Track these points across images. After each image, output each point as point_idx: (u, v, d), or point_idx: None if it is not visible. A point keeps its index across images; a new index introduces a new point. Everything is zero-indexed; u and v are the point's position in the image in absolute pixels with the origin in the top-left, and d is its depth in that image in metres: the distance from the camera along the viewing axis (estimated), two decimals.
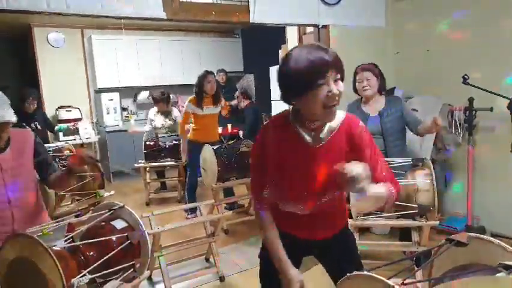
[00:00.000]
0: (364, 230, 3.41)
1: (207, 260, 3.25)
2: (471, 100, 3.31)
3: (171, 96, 5.37)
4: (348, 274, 1.19)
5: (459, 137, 3.45)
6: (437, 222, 2.53)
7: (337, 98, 1.28)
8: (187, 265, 3.12)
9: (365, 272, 1.13)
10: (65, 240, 1.81)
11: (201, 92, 4.19)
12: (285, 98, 1.37)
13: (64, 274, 1.52)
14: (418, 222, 2.58)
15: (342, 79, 1.31)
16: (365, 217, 2.64)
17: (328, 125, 1.41)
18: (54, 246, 1.70)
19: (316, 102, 1.26)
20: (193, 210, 4.20)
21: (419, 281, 1.13)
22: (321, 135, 1.41)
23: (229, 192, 4.35)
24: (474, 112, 3.33)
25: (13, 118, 1.84)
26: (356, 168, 1.21)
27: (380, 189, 1.34)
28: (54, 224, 1.90)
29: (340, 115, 1.43)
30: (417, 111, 3.34)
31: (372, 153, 1.44)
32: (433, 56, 3.76)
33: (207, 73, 4.23)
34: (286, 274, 1.45)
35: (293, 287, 1.43)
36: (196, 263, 3.20)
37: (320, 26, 3.58)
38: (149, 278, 2.97)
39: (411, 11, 3.91)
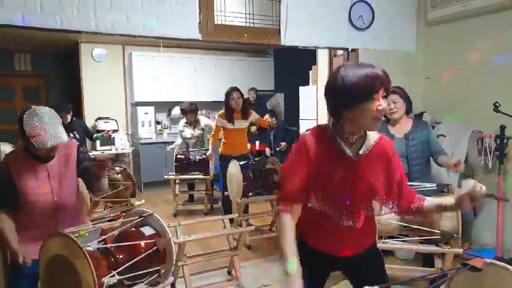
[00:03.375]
0: (388, 254, 3.39)
1: (229, 272, 3.32)
2: (503, 128, 3.27)
3: (203, 111, 5.57)
4: (366, 287, 1.25)
5: (489, 165, 3.40)
6: (461, 250, 2.50)
7: (383, 113, 1.40)
8: (209, 276, 3.21)
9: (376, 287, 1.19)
10: (98, 242, 1.95)
11: (228, 108, 4.35)
12: (335, 110, 1.46)
13: (95, 273, 1.65)
14: (441, 248, 2.56)
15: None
16: (388, 240, 2.64)
17: (366, 141, 1.51)
18: (88, 246, 1.84)
19: (368, 114, 1.38)
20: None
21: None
22: (360, 151, 1.50)
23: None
24: (506, 140, 3.28)
25: (65, 136, 2.01)
26: (480, 185, 1.36)
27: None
28: (90, 227, 2.06)
29: (375, 134, 1.53)
30: (444, 137, 3.32)
31: (401, 171, 1.57)
32: (463, 82, 3.74)
33: (232, 90, 4.38)
34: (285, 262, 1.41)
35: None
36: (218, 274, 3.28)
37: (349, 50, 3.67)
38: (173, 286, 3.07)
39: (443, 37, 3.92)
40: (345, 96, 1.39)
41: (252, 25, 3.21)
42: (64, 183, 2.14)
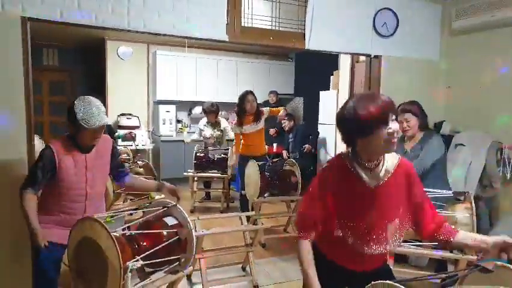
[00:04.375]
0: (401, 261, 3.40)
1: (243, 268, 3.40)
2: None
3: (223, 112, 5.68)
4: (372, 282, 1.30)
5: (507, 176, 3.39)
6: (475, 257, 2.51)
7: (395, 135, 1.45)
8: (224, 271, 3.29)
9: (388, 281, 1.24)
10: (123, 229, 2.06)
11: (241, 110, 4.43)
12: (348, 139, 1.53)
13: (121, 256, 1.75)
14: (455, 255, 2.58)
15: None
16: (402, 244, 2.66)
17: (385, 165, 1.55)
18: (115, 232, 1.94)
19: (380, 140, 1.43)
20: None
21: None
22: (380, 175, 1.54)
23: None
24: None
25: (107, 121, 2.20)
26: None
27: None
28: (117, 214, 2.17)
29: (395, 157, 1.58)
30: (464, 146, 3.33)
31: (422, 197, 1.60)
32: (485, 92, 3.74)
33: (247, 93, 4.45)
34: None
35: None
36: (233, 270, 3.36)
37: (372, 56, 3.71)
38: (189, 279, 3.17)
39: (466, 46, 3.93)
40: (356, 127, 1.45)
41: (277, 28, 3.28)
42: (98, 175, 2.29)
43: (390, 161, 1.57)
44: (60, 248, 2.17)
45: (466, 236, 1.58)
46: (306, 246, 1.58)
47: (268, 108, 4.74)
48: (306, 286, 1.56)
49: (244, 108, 4.42)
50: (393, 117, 1.46)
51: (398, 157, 1.59)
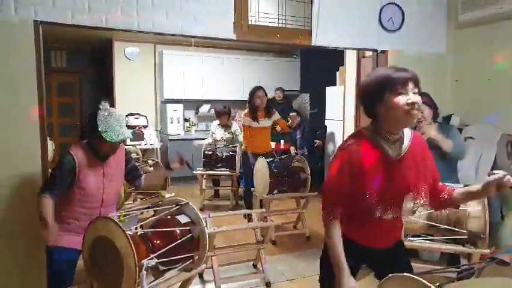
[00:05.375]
0: (412, 255, 3.40)
1: (255, 266, 3.42)
2: None
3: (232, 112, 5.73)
4: (390, 275, 1.32)
5: None
6: (488, 251, 2.51)
7: (416, 106, 1.47)
8: (235, 269, 3.32)
9: (405, 274, 1.26)
10: (136, 228, 2.09)
11: (252, 106, 4.47)
12: (368, 107, 1.57)
13: (136, 255, 1.78)
14: (468, 249, 2.58)
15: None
16: (413, 238, 2.68)
17: (404, 141, 1.59)
18: (129, 230, 1.97)
19: (398, 108, 1.46)
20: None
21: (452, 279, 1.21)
22: (402, 147, 1.58)
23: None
24: None
25: (130, 135, 2.25)
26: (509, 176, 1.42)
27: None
28: (130, 213, 2.20)
29: (408, 132, 1.62)
30: (473, 139, 3.32)
31: (435, 168, 1.68)
32: (493, 84, 3.72)
33: (256, 89, 4.54)
34: (342, 283, 1.53)
35: None
36: (244, 267, 3.38)
37: (378, 51, 3.70)
38: (201, 276, 3.20)
39: (473, 39, 3.90)
40: (371, 90, 1.52)
41: (284, 26, 3.29)
42: (113, 183, 2.33)
43: (406, 134, 1.61)
44: (71, 250, 2.20)
45: (461, 189, 1.65)
46: (338, 228, 1.58)
47: (280, 117, 4.86)
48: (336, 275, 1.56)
49: (254, 103, 4.48)
50: (416, 90, 1.48)
51: (410, 130, 1.64)
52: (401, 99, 1.45)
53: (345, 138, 1.69)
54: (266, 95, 4.58)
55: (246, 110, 4.61)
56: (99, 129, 2.10)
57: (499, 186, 1.43)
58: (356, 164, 1.54)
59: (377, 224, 1.61)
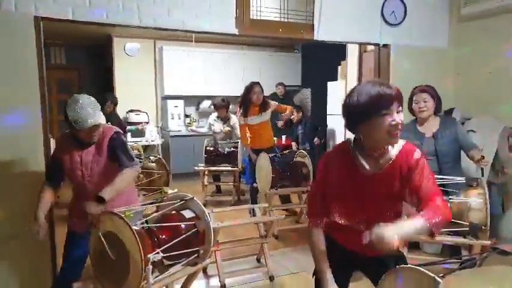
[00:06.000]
0: (414, 248, 3.42)
1: (258, 260, 3.44)
2: None
3: (231, 106, 5.70)
4: (397, 266, 1.33)
5: None
6: (489, 242, 2.53)
7: (399, 127, 1.44)
8: (239, 263, 3.33)
9: (410, 266, 1.27)
10: (142, 223, 2.10)
11: (246, 101, 4.42)
12: (351, 126, 1.53)
13: (142, 250, 1.79)
14: (469, 240, 2.59)
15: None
16: None
17: (385, 156, 1.53)
18: (135, 225, 1.98)
19: (381, 129, 1.43)
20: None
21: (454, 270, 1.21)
22: (381, 163, 1.53)
23: (286, 199, 4.54)
24: None
25: (103, 121, 2.21)
26: (380, 232, 1.30)
27: (411, 226, 1.39)
28: (135, 208, 2.21)
29: (399, 144, 1.54)
30: (474, 132, 3.33)
31: (424, 181, 1.50)
32: (495, 78, 3.72)
33: (253, 84, 4.45)
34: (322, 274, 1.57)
35: None
36: (248, 261, 3.40)
37: (381, 45, 3.70)
38: (205, 271, 3.21)
39: (475, 33, 3.90)
40: (356, 112, 1.46)
41: (286, 20, 3.29)
42: (96, 170, 2.29)
43: (395, 147, 1.54)
44: (82, 240, 2.21)
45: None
46: (317, 236, 1.62)
47: (276, 102, 4.74)
48: (318, 279, 1.60)
49: (250, 99, 4.41)
50: (400, 108, 1.45)
51: (402, 144, 1.55)
52: (384, 121, 1.42)
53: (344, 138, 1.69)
54: (263, 91, 4.51)
55: (238, 109, 4.52)
56: (69, 118, 2.13)
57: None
58: (329, 171, 1.58)
59: (357, 232, 1.56)
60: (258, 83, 4.49)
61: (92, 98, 2.22)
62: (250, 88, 4.44)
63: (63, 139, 2.35)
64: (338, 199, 1.59)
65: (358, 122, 1.48)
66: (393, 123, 1.42)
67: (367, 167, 1.54)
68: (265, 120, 4.55)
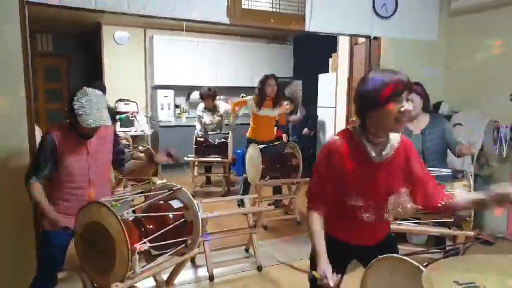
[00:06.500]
0: (401, 239, 3.47)
1: (247, 250, 3.46)
2: None
3: (221, 97, 5.65)
4: (378, 256, 1.35)
5: (503, 154, 3.44)
6: (472, 232, 2.57)
7: (407, 114, 1.48)
8: (227, 253, 3.35)
9: (394, 255, 1.29)
10: (128, 213, 2.08)
11: (262, 94, 4.41)
12: (361, 111, 1.56)
13: (128, 240, 1.78)
14: (453, 231, 2.64)
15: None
16: (401, 222, 2.73)
17: (390, 143, 1.60)
18: (121, 216, 1.97)
19: (390, 116, 1.47)
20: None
21: (438, 259, 1.24)
22: (384, 152, 1.59)
23: (277, 190, 4.58)
24: None
25: (109, 121, 2.19)
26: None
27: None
28: (122, 198, 2.19)
29: (397, 137, 1.63)
30: (462, 125, 3.37)
31: (425, 170, 1.67)
32: (483, 72, 3.76)
33: (267, 77, 4.43)
34: (320, 266, 1.56)
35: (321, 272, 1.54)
36: (236, 252, 3.42)
37: (371, 38, 3.71)
38: (193, 261, 3.22)
39: (465, 26, 3.93)
40: (370, 98, 1.49)
41: (278, 10, 3.27)
42: (100, 161, 2.30)
43: (394, 138, 1.62)
44: (64, 234, 2.20)
45: (462, 197, 1.65)
46: (316, 217, 1.61)
47: (288, 105, 4.70)
48: (314, 258, 1.59)
49: (265, 92, 4.39)
50: (409, 96, 1.50)
51: (399, 135, 1.64)
52: (394, 107, 1.46)
53: (335, 132, 1.70)
54: (277, 84, 4.48)
55: (256, 95, 4.49)
56: (75, 112, 2.07)
57: (501, 200, 1.44)
58: (339, 159, 1.57)
59: (360, 223, 1.63)
60: (272, 76, 4.46)
61: (102, 94, 2.19)
62: (264, 81, 4.42)
63: (62, 129, 2.21)
64: (347, 185, 1.59)
65: (370, 108, 1.51)
66: (402, 109, 1.46)
67: (374, 154, 1.58)
68: (274, 115, 4.55)
